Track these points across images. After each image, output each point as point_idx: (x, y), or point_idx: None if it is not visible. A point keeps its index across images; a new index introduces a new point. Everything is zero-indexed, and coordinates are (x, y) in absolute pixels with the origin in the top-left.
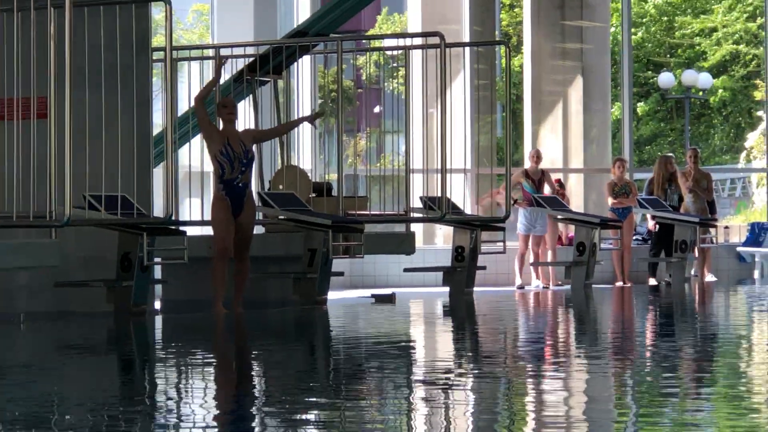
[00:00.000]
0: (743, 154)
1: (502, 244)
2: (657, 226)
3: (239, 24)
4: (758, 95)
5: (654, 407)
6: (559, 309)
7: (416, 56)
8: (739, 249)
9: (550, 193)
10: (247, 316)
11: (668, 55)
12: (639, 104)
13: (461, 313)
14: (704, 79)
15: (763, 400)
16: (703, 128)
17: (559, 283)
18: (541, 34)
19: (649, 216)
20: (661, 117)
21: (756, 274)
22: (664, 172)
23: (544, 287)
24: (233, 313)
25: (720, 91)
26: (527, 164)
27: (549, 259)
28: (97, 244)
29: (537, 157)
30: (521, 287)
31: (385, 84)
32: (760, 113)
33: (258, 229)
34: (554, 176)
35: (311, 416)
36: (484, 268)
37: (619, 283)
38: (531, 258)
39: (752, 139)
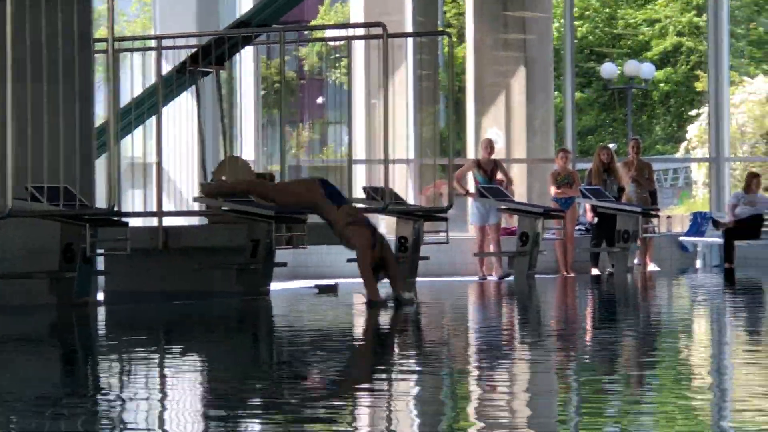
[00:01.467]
0: (683, 145)
1: (445, 234)
2: (595, 217)
3: (182, 14)
4: (700, 86)
5: (595, 395)
6: (503, 299)
7: (359, 47)
8: (681, 239)
9: (505, 185)
10: (191, 308)
11: (611, 46)
12: (580, 94)
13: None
14: (647, 69)
15: (704, 386)
16: (646, 118)
17: (503, 273)
18: (484, 25)
19: (587, 207)
20: (603, 107)
21: (698, 263)
22: (600, 163)
23: (482, 278)
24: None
25: (662, 84)
26: (471, 155)
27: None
28: (39, 236)
29: (489, 147)
30: (483, 278)
31: (328, 75)
32: (700, 110)
33: (201, 221)
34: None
35: (254, 407)
36: (426, 258)
37: (563, 273)
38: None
39: (693, 129)
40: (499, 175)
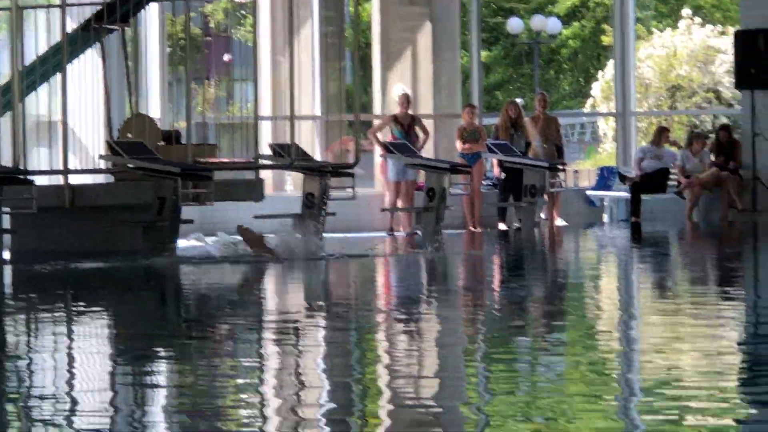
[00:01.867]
0: (590, 100)
1: (351, 190)
2: (502, 172)
3: None
4: (606, 41)
5: (504, 347)
6: (411, 255)
7: (264, 4)
8: (588, 193)
9: (422, 138)
10: (97, 268)
11: (518, 2)
12: (488, 51)
13: (319, 261)
14: (553, 24)
15: (612, 338)
16: (553, 73)
17: (410, 228)
18: None
19: (494, 162)
20: (510, 62)
21: (605, 217)
22: (508, 118)
23: (390, 233)
24: None
25: (569, 40)
26: (377, 110)
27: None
28: None
29: (406, 101)
30: (391, 233)
31: (234, 32)
32: (607, 58)
33: (107, 178)
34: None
35: (161, 365)
36: (333, 214)
37: (470, 228)
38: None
39: (599, 84)
40: (420, 133)
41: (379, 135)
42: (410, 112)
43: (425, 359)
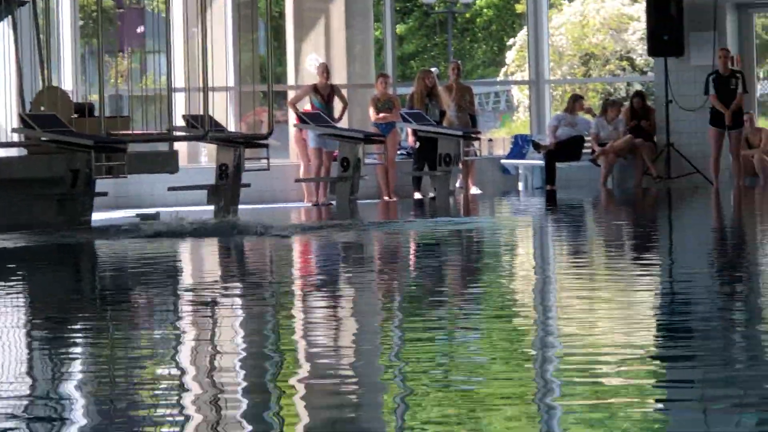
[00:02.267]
0: (504, 68)
1: (266, 161)
2: (416, 141)
3: None
4: (520, 8)
5: (421, 315)
6: (326, 225)
7: None
8: (503, 161)
9: (341, 108)
10: (11, 241)
11: None
12: (403, 22)
13: (227, 232)
14: None
15: (527, 306)
16: (467, 43)
17: (326, 198)
18: None
19: (409, 131)
20: (425, 33)
21: (520, 185)
22: (424, 87)
23: (314, 204)
24: None
25: (484, 9)
26: (291, 81)
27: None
28: None
29: (325, 71)
30: (316, 204)
31: (147, 3)
32: (521, 27)
33: (20, 152)
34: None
35: (78, 337)
36: (248, 185)
37: (385, 198)
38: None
39: (513, 53)
40: (338, 102)
41: (299, 105)
42: (329, 81)
43: (342, 332)
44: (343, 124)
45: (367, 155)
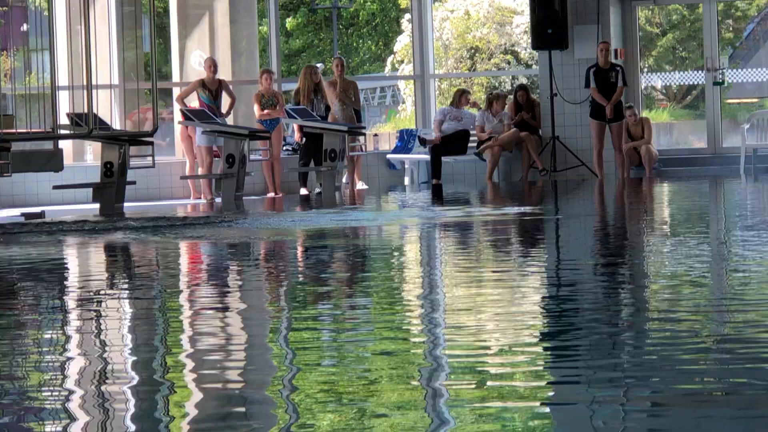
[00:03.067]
0: (390, 62)
1: (151, 158)
2: (302, 137)
3: None
4: (403, 3)
5: (306, 308)
6: (212, 222)
7: None
8: (388, 156)
9: (229, 103)
10: None
11: None
12: (292, 18)
13: (118, 229)
14: None
15: (414, 301)
16: (353, 39)
17: (212, 195)
18: None
19: (296, 127)
20: (312, 29)
21: (406, 180)
22: (309, 83)
23: (202, 200)
24: None
25: (368, 4)
26: (176, 78)
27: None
28: None
29: (213, 66)
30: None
31: (30, 1)
32: (406, 19)
33: None
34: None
35: None
36: (133, 183)
37: (271, 194)
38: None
39: (398, 48)
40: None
41: (188, 100)
42: (217, 76)
43: (229, 330)
44: (229, 119)
45: (252, 152)
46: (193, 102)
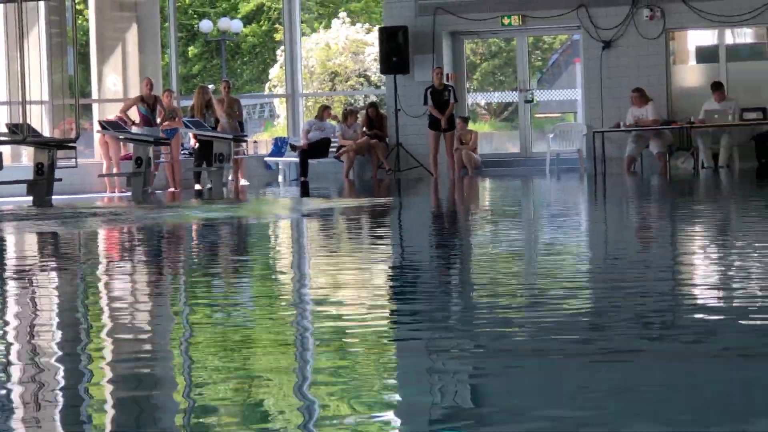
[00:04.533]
0: (267, 84)
1: (74, 160)
2: (197, 143)
3: None
4: (278, 36)
5: (199, 288)
6: (121, 211)
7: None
8: (266, 159)
9: (162, 115)
10: None
11: (210, 7)
12: (190, 47)
13: (47, 217)
14: (236, 25)
15: (283, 273)
16: (238, 64)
17: (124, 189)
18: None
19: (191, 135)
20: (206, 56)
21: (280, 178)
22: (201, 100)
23: (116, 194)
24: None
25: (249, 37)
26: (95, 95)
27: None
28: None
29: (149, 84)
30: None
31: None
32: (280, 50)
33: None
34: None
35: None
36: (60, 179)
37: (171, 189)
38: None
39: (273, 72)
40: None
41: (131, 112)
42: (153, 93)
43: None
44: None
45: (157, 155)
46: (134, 114)
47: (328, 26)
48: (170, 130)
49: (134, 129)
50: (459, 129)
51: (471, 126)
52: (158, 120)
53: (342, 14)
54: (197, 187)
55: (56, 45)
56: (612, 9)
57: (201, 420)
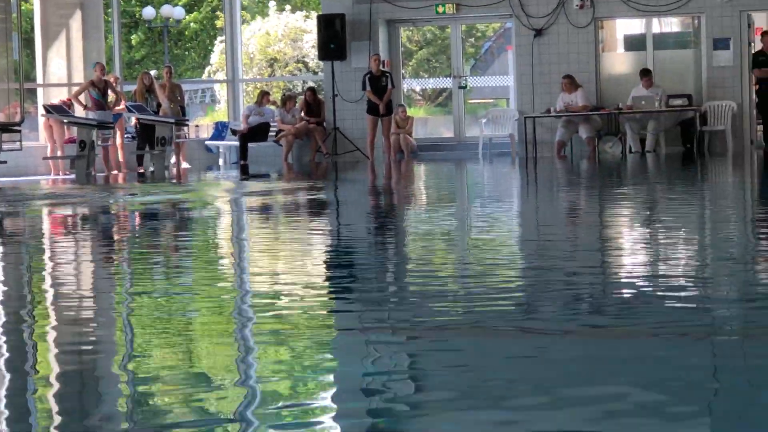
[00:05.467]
0: (207, 69)
1: (19, 143)
2: (140, 126)
3: None
4: (219, 24)
5: (143, 264)
6: (66, 192)
7: None
8: (207, 143)
9: (114, 99)
10: None
11: None
12: (133, 35)
13: None
14: (178, 12)
15: (223, 252)
16: (181, 51)
17: (68, 172)
18: None
19: (134, 119)
20: (149, 43)
21: (220, 161)
22: (142, 85)
23: (56, 176)
24: None
25: (191, 24)
26: (40, 80)
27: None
28: None
29: (101, 69)
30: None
31: None
32: (219, 40)
33: None
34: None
35: None
36: (5, 162)
37: (115, 171)
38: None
39: (214, 58)
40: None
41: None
42: (104, 77)
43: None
44: (80, 113)
45: (100, 138)
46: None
47: (266, 15)
48: (114, 114)
49: (89, 114)
50: (399, 114)
51: (408, 112)
52: (110, 104)
53: (271, 3)
54: (140, 170)
55: (1, 30)
56: None
57: (142, 402)
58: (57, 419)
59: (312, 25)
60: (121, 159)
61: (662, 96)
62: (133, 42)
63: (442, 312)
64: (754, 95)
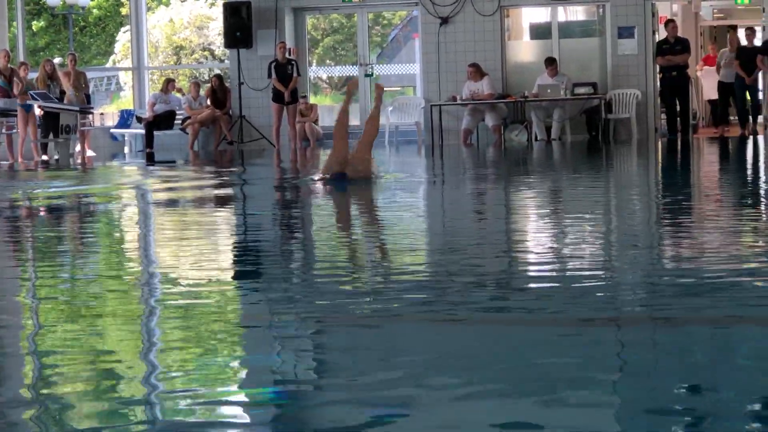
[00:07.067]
0: (112, 57)
1: None
2: (43, 113)
3: None
4: (124, 11)
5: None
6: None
7: None
8: (112, 131)
9: (20, 87)
10: None
11: None
12: (34, 22)
13: None
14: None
15: (131, 241)
16: (86, 38)
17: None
18: None
19: (37, 107)
20: (54, 30)
21: (126, 149)
22: (44, 72)
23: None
24: None
25: (95, 11)
26: None
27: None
28: None
29: (6, 56)
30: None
31: None
32: (123, 30)
33: None
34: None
35: None
36: None
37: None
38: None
39: (119, 45)
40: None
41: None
42: (9, 65)
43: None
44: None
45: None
46: None
47: (168, 3)
48: (27, 103)
49: None
50: (302, 104)
51: (312, 99)
52: (15, 92)
53: None
54: (44, 158)
55: None
56: None
57: (46, 391)
58: None
59: (218, 12)
60: (21, 148)
61: (567, 84)
62: (35, 29)
63: (344, 305)
64: (658, 83)
